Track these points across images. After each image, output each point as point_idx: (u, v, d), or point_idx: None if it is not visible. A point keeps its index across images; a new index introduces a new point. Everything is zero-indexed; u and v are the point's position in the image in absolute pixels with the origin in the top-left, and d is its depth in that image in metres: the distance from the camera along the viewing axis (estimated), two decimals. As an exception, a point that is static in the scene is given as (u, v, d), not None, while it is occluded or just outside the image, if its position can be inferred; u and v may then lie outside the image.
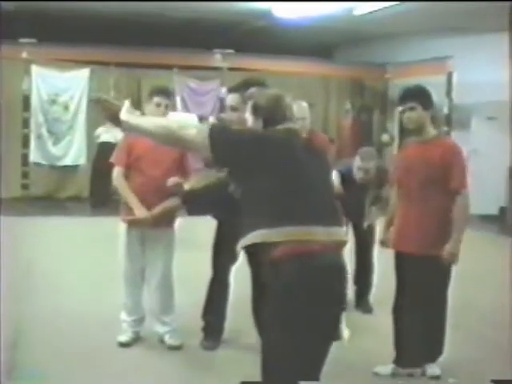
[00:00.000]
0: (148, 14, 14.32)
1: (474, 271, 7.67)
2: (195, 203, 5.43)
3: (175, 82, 15.22)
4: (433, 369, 5.30)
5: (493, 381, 4.34)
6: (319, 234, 3.41)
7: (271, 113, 3.67)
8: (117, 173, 5.71)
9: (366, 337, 6.02)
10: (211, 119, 15.03)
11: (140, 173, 5.60)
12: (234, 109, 5.14)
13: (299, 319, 3.33)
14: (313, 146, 3.89)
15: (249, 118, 3.75)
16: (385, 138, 15.43)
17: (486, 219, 12.46)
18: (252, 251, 3.65)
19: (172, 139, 3.60)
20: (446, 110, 13.85)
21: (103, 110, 3.62)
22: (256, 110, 3.71)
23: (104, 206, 13.71)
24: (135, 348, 5.79)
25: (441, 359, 5.32)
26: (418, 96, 5.22)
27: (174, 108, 14.44)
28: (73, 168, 15.40)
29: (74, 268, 8.55)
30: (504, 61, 12.62)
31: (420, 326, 5.20)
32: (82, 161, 15.27)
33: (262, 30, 15.15)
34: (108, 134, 13.81)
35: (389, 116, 17.01)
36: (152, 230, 5.62)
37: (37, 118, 14.85)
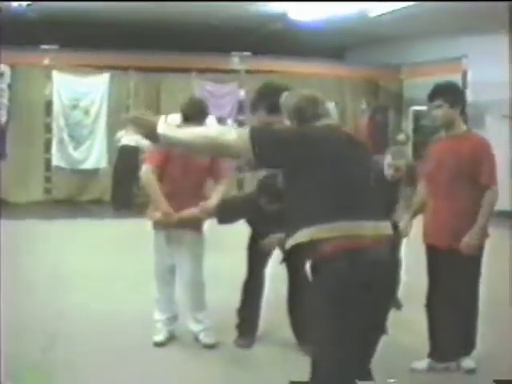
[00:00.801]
0: (166, 19, 14.51)
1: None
2: (225, 213, 5.56)
3: (194, 86, 15.44)
4: (467, 362, 5.32)
5: (495, 381, 4.34)
6: (368, 228, 3.43)
7: (303, 112, 3.70)
8: (146, 169, 5.60)
9: (398, 333, 5.80)
10: (230, 121, 15.31)
11: (171, 177, 5.57)
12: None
13: (353, 313, 3.34)
14: (356, 140, 3.86)
15: (286, 121, 3.80)
16: (401, 137, 15.52)
17: (500, 215, 12.49)
18: (294, 250, 3.59)
19: (213, 147, 3.55)
20: (461, 109, 13.94)
21: (139, 128, 3.58)
22: (289, 112, 3.76)
23: (126, 208, 13.95)
24: (170, 347, 5.80)
25: (474, 353, 5.34)
26: (445, 93, 5.21)
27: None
28: (94, 171, 15.63)
29: (101, 269, 8.63)
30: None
31: (453, 319, 5.23)
32: (103, 164, 15.51)
33: (279, 32, 15.31)
34: (128, 137, 13.95)
35: (404, 115, 17.13)
36: (177, 231, 5.63)
37: (58, 122, 15.09)
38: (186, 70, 15.37)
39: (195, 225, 5.72)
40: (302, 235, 3.42)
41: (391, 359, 5.05)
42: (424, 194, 5.51)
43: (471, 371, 5.28)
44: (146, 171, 5.59)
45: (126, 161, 14.15)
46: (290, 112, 3.75)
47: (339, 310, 3.35)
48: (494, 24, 12.95)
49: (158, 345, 5.76)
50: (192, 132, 3.64)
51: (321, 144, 3.50)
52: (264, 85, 5.46)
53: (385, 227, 3.54)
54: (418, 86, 16.27)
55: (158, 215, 5.60)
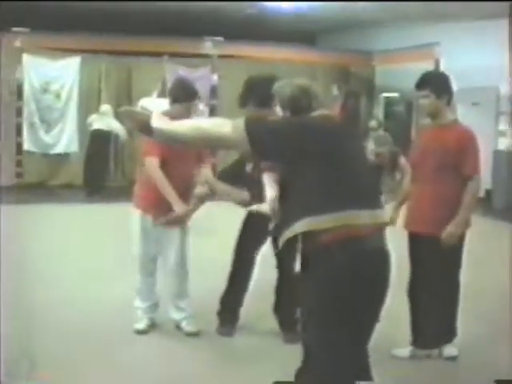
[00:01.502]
0: (139, 2, 14.43)
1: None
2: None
3: (166, 70, 15.40)
4: (450, 349, 5.38)
5: (496, 381, 4.40)
6: (366, 216, 3.41)
7: (297, 103, 3.64)
8: (150, 162, 5.39)
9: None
10: (202, 106, 15.26)
11: (170, 167, 5.42)
12: None
13: (352, 302, 3.36)
14: (350, 129, 3.86)
15: (278, 111, 3.74)
16: (372, 123, 15.56)
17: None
18: (289, 240, 3.53)
19: (208, 139, 3.53)
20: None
21: (132, 122, 3.56)
22: (283, 102, 3.69)
23: (98, 193, 13.90)
24: (152, 335, 5.76)
25: (456, 340, 5.39)
26: (432, 83, 5.22)
27: (164, 95, 14.65)
28: (65, 156, 15.57)
29: (74, 254, 8.56)
30: (488, 47, 12.87)
31: (434, 306, 5.28)
32: (74, 148, 15.41)
33: (251, 17, 15.31)
34: (101, 121, 13.94)
35: (375, 102, 17.20)
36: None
37: (29, 106, 15.00)
38: (158, 54, 15.31)
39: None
40: (300, 226, 3.39)
41: (372, 347, 5.14)
42: (410, 185, 5.56)
43: (453, 358, 5.34)
44: (152, 165, 5.40)
45: (98, 145, 14.08)
46: (285, 102, 3.69)
47: (337, 299, 3.36)
48: (467, 12, 13.03)
49: (140, 332, 5.72)
50: (186, 125, 3.61)
51: (318, 134, 3.46)
52: (250, 78, 5.43)
53: (382, 215, 3.55)
54: (389, 72, 16.40)
55: (173, 214, 5.45)
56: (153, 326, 5.84)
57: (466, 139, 5.22)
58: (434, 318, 5.31)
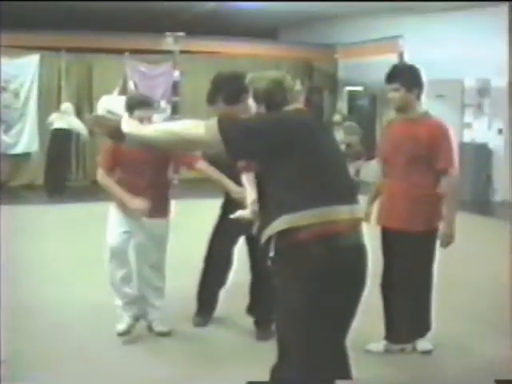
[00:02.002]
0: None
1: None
2: None
3: (126, 67, 15.23)
4: (423, 344, 5.36)
5: (496, 381, 4.37)
6: (344, 212, 3.40)
7: (272, 96, 3.57)
8: (101, 174, 5.57)
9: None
10: (163, 102, 15.12)
11: (130, 170, 5.46)
12: None
13: (332, 298, 3.34)
14: (323, 123, 3.85)
15: (252, 104, 3.66)
16: (336, 117, 15.57)
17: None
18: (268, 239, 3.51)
19: (181, 142, 3.49)
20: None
21: (101, 128, 3.53)
22: (257, 96, 3.61)
23: (59, 193, 13.69)
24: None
25: (430, 335, 5.38)
26: (402, 77, 5.19)
27: (126, 92, 14.51)
28: (25, 156, 15.28)
29: (37, 256, 8.45)
30: (452, 39, 12.86)
31: (407, 301, 5.27)
32: (34, 148, 15.16)
33: (213, 12, 15.18)
34: (61, 120, 13.71)
35: (339, 96, 17.16)
36: (147, 220, 5.50)
37: (-13, 106, 14.67)
38: (119, 51, 15.12)
39: (163, 212, 5.61)
40: (280, 223, 3.35)
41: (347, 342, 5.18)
42: (382, 178, 5.49)
43: (427, 353, 5.32)
44: (100, 176, 5.57)
45: (58, 144, 13.86)
46: (259, 96, 3.61)
47: (317, 295, 3.33)
48: (430, 4, 13.01)
49: (121, 334, 5.58)
50: (158, 129, 3.56)
51: (294, 128, 3.42)
52: (218, 75, 5.39)
53: (357, 210, 3.53)
54: (352, 66, 16.36)
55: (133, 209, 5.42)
56: (134, 325, 5.70)
57: (437, 132, 5.15)
58: (406, 313, 5.31)
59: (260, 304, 5.68)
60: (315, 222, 3.31)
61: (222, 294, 5.95)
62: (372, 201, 5.60)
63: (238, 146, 3.41)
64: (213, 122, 3.36)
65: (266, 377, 3.63)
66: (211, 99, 5.26)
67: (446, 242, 5.16)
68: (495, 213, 12.70)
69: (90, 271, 7.34)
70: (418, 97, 5.23)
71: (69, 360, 5.17)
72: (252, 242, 5.42)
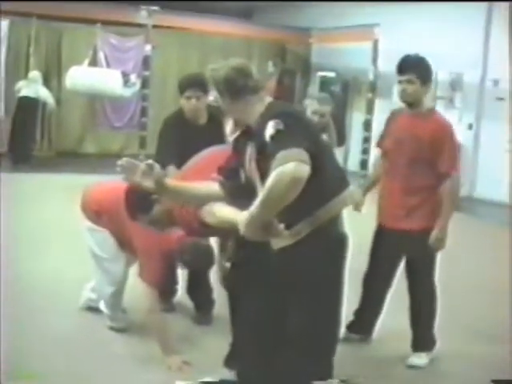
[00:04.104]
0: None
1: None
2: None
3: (98, 38, 14.99)
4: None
5: (493, 381, 4.36)
6: (352, 196, 3.63)
7: (233, 84, 3.46)
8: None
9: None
10: (133, 76, 14.90)
11: None
12: None
13: (328, 287, 3.47)
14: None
15: (215, 95, 3.59)
16: (307, 102, 15.51)
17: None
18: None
19: (280, 198, 3.11)
20: (371, 78, 13.81)
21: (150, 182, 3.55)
22: (218, 85, 3.51)
23: (25, 162, 13.48)
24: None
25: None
26: (418, 68, 4.97)
27: (96, 64, 14.31)
28: (-10, 122, 14.98)
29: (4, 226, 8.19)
30: (427, 31, 12.83)
31: (385, 300, 5.37)
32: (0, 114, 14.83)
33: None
34: (29, 88, 13.54)
35: (311, 81, 17.07)
36: None
37: (-47, 70, 14.34)
38: (91, 21, 14.82)
39: None
40: (324, 212, 3.39)
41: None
42: (380, 171, 5.40)
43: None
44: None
45: (25, 112, 13.70)
46: (220, 85, 3.50)
47: (318, 283, 3.43)
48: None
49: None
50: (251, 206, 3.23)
51: (311, 125, 3.52)
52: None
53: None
54: (326, 51, 16.27)
55: None
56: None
57: (441, 134, 4.98)
58: (381, 310, 5.43)
59: (201, 286, 5.71)
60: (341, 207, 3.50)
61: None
62: (366, 190, 5.48)
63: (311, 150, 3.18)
64: (291, 159, 3.06)
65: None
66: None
67: (437, 247, 5.06)
68: (460, 208, 12.68)
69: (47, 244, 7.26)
70: (426, 93, 5.07)
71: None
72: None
